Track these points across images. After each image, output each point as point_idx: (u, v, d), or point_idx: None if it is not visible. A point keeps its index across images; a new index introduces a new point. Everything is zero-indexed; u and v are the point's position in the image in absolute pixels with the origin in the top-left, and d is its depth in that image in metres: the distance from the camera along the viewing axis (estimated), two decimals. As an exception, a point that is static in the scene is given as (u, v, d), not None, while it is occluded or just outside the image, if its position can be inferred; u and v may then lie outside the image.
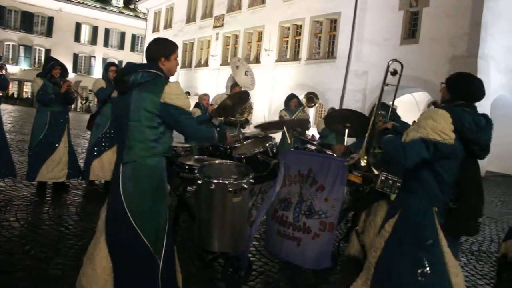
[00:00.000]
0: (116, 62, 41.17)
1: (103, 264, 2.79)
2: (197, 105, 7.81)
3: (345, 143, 4.38)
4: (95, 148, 6.49)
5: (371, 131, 3.28)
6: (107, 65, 6.72)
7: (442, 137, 2.50)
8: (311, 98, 8.53)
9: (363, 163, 3.12)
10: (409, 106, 21.18)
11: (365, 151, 3.18)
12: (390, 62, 3.34)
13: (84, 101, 7.12)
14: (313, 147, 4.30)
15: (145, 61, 2.99)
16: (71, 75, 34.31)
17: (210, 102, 7.89)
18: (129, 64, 3.12)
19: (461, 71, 3.00)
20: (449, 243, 2.62)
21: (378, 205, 4.46)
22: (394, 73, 3.00)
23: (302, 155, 4.17)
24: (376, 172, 3.25)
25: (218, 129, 5.97)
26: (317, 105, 8.96)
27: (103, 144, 6.47)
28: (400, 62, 3.14)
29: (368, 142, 3.18)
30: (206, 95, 8.09)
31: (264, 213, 4.04)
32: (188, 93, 7.11)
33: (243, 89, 6.51)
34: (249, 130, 7.24)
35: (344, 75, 19.52)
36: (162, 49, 2.93)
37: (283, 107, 8.29)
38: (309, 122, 8.06)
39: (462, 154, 2.61)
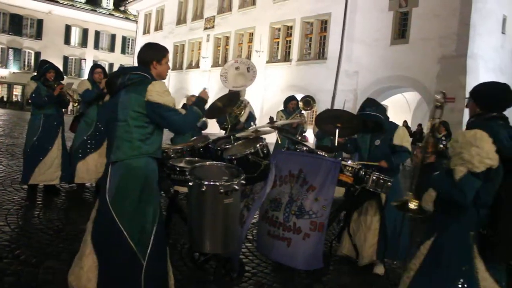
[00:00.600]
0: (107, 64, 41.08)
1: (89, 262, 2.84)
2: (184, 106, 7.75)
3: (336, 144, 4.39)
4: (80, 150, 6.42)
5: (421, 170, 2.82)
6: (93, 67, 6.72)
7: (489, 163, 2.32)
8: (308, 101, 8.50)
9: (412, 206, 2.75)
10: (400, 106, 21.31)
11: (416, 193, 2.76)
12: (437, 96, 2.83)
13: (76, 104, 7.07)
14: (304, 148, 4.30)
15: (136, 64, 3.08)
16: (61, 78, 34.07)
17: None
18: (120, 67, 3.17)
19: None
20: (492, 269, 2.45)
21: (369, 205, 4.49)
22: (440, 106, 2.73)
23: (293, 155, 4.17)
24: (429, 209, 2.74)
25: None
26: (314, 108, 8.93)
27: (88, 146, 6.41)
28: (444, 93, 2.79)
29: (418, 183, 2.79)
30: (193, 96, 7.98)
31: (254, 214, 4.04)
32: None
33: (237, 89, 6.49)
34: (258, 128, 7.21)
35: (335, 76, 19.61)
36: (153, 53, 3.02)
37: (280, 108, 8.25)
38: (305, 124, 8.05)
39: (502, 174, 2.42)
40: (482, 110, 2.56)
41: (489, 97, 2.58)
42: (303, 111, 8.41)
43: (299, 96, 8.94)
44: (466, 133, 2.42)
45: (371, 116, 4.42)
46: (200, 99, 3.30)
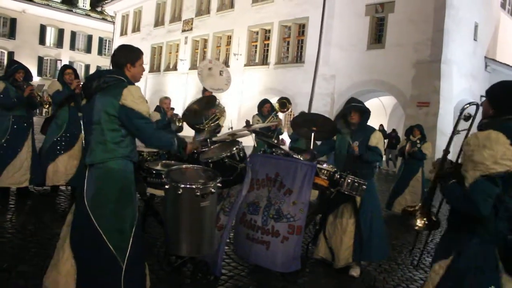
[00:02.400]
0: (83, 65, 40.43)
1: (67, 267, 2.80)
2: (157, 109, 7.69)
3: (311, 147, 4.45)
4: (50, 152, 6.28)
5: (432, 187, 2.51)
6: (63, 68, 6.55)
7: (507, 165, 2.05)
8: (284, 103, 8.57)
9: (420, 223, 2.47)
10: (377, 110, 21.60)
11: (423, 208, 2.49)
12: (467, 106, 2.57)
13: (47, 106, 6.88)
14: (280, 151, 4.33)
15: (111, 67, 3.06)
16: (36, 79, 33.41)
17: (171, 106, 7.77)
18: (98, 70, 3.15)
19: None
20: None
21: (345, 208, 4.55)
22: (468, 117, 2.49)
23: (269, 158, 4.20)
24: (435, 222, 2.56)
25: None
26: (290, 110, 8.99)
27: (58, 147, 6.27)
28: (477, 105, 2.52)
29: (427, 199, 2.54)
30: (167, 98, 7.93)
31: (234, 218, 4.05)
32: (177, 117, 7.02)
33: (214, 92, 6.48)
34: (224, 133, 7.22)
35: (312, 79, 19.75)
36: (128, 56, 3.01)
37: (256, 112, 8.29)
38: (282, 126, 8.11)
39: None
40: (496, 112, 2.30)
41: (505, 97, 2.31)
42: (279, 113, 8.46)
43: (275, 100, 8.99)
44: (478, 135, 2.16)
45: (361, 107, 4.57)
46: (183, 147, 3.23)
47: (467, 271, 2.19)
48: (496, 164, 2.04)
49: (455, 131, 2.54)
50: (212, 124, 6.71)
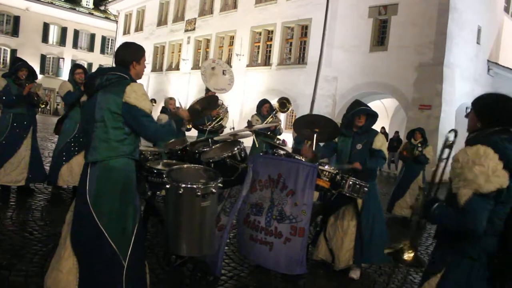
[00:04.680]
0: (86, 64, 40.45)
1: (69, 265, 2.79)
2: (163, 110, 7.69)
3: (313, 148, 4.44)
4: (64, 153, 6.25)
5: (419, 215, 2.42)
6: (73, 68, 6.50)
7: (498, 182, 2.02)
8: (284, 103, 8.55)
9: (407, 256, 2.33)
10: (379, 113, 21.51)
11: (411, 242, 2.37)
12: (448, 134, 2.50)
13: (43, 105, 6.79)
14: (282, 152, 4.33)
15: (115, 65, 3.06)
16: (38, 77, 33.41)
17: (177, 106, 7.79)
18: (99, 68, 3.15)
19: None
20: None
21: (346, 210, 4.54)
22: (450, 145, 2.40)
23: (271, 159, 4.19)
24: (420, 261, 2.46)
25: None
26: (290, 110, 8.98)
27: (72, 148, 6.24)
28: (455, 130, 2.45)
29: (415, 231, 2.45)
30: (172, 99, 7.94)
31: (233, 218, 4.04)
32: (154, 100, 6.92)
33: (217, 93, 6.48)
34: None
35: (314, 81, 19.76)
36: (133, 53, 3.02)
37: (255, 112, 8.30)
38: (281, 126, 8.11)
39: None
40: (483, 124, 2.27)
41: (497, 110, 2.25)
42: (279, 113, 8.47)
43: (275, 101, 8.99)
44: (467, 150, 2.12)
45: (369, 110, 4.58)
46: (178, 117, 3.26)
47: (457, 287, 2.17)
48: (488, 183, 2.01)
49: (440, 159, 2.43)
50: (216, 125, 6.71)
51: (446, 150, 2.40)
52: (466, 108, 2.12)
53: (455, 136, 2.41)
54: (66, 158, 6.24)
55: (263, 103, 8.11)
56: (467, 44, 17.54)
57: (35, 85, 6.13)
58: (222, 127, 6.93)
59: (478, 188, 2.02)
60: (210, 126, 6.53)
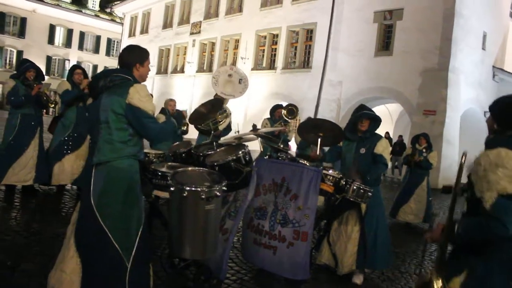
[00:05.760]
0: (91, 66, 40.61)
1: (72, 265, 2.80)
2: (162, 111, 7.72)
3: (318, 152, 4.44)
4: (57, 151, 6.32)
5: (444, 243, 2.31)
6: (72, 68, 6.63)
7: None
8: (292, 110, 8.54)
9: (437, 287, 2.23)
10: (383, 117, 21.50)
11: (438, 270, 2.27)
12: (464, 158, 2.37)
13: (52, 105, 6.97)
14: (286, 156, 4.33)
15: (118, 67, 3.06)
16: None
17: (177, 108, 7.82)
18: (104, 70, 3.17)
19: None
20: None
21: (350, 214, 4.53)
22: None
23: (275, 163, 4.19)
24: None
25: None
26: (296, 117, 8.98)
27: (66, 147, 6.31)
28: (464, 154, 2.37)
29: (440, 259, 2.33)
30: (172, 100, 7.96)
31: (239, 222, 4.04)
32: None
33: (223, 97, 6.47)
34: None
35: (319, 85, 19.75)
36: (137, 56, 3.04)
37: (266, 116, 8.30)
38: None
39: None
40: (500, 126, 2.27)
41: (508, 112, 2.26)
42: (288, 120, 8.47)
43: (284, 105, 9.00)
44: (488, 153, 2.12)
45: (371, 114, 4.57)
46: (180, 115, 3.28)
47: None
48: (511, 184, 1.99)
49: (457, 187, 2.30)
50: (213, 127, 6.69)
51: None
52: (485, 112, 2.03)
53: (465, 156, 2.32)
54: (59, 156, 6.30)
55: (277, 107, 8.14)
56: (472, 50, 17.50)
57: (44, 85, 6.20)
58: (218, 130, 6.93)
59: (502, 190, 2.00)
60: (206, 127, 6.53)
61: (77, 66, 6.73)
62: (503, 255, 2.09)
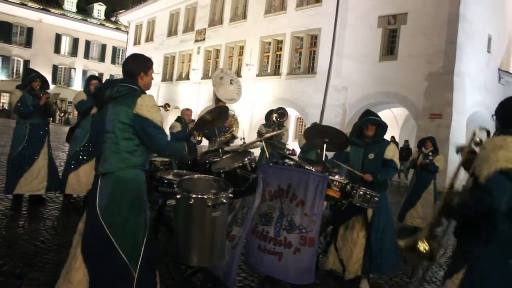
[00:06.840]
0: (97, 74, 40.84)
1: (79, 276, 2.80)
2: (178, 119, 7.74)
3: (323, 158, 4.44)
4: (73, 161, 6.41)
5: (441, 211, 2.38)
6: (89, 78, 6.68)
7: None
8: (282, 113, 8.72)
9: (422, 248, 2.29)
10: (388, 122, 21.45)
11: (429, 233, 2.32)
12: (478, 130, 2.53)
13: (62, 114, 7.09)
14: (291, 162, 4.33)
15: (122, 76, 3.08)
16: (50, 87, 33.76)
17: (192, 118, 7.88)
18: (108, 79, 3.18)
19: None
20: None
21: (356, 220, 4.52)
22: (479, 143, 2.46)
23: (281, 170, 4.19)
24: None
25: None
26: (298, 120, 9.15)
27: (81, 157, 6.39)
28: (488, 131, 2.52)
29: (434, 224, 2.37)
30: (188, 110, 8.01)
31: (247, 229, 4.04)
32: (167, 104, 6.86)
33: (227, 103, 6.52)
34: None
35: (324, 90, 19.74)
36: (141, 65, 3.04)
37: (263, 122, 8.44)
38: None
39: None
40: (502, 127, 2.36)
41: (508, 112, 2.36)
42: (281, 123, 8.64)
43: (288, 110, 9.14)
44: (494, 139, 2.25)
45: (378, 120, 4.58)
46: (192, 151, 3.30)
47: (482, 283, 2.16)
48: (509, 163, 2.08)
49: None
50: (228, 135, 6.74)
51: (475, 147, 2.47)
52: (492, 115, 2.15)
53: (488, 135, 2.49)
54: (75, 166, 6.38)
55: (271, 113, 8.32)
56: (477, 53, 17.45)
57: (53, 95, 6.27)
58: (234, 137, 6.97)
59: (497, 166, 2.09)
60: (223, 137, 6.57)
61: (94, 77, 6.80)
62: (501, 238, 2.14)
